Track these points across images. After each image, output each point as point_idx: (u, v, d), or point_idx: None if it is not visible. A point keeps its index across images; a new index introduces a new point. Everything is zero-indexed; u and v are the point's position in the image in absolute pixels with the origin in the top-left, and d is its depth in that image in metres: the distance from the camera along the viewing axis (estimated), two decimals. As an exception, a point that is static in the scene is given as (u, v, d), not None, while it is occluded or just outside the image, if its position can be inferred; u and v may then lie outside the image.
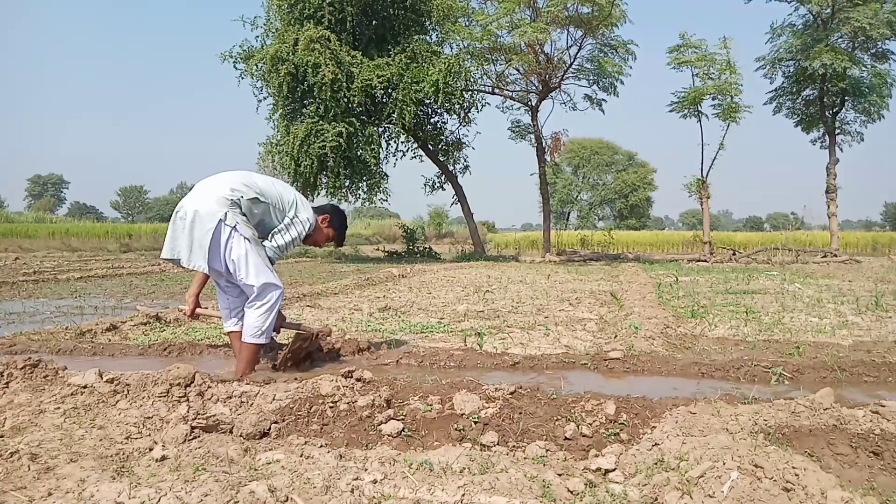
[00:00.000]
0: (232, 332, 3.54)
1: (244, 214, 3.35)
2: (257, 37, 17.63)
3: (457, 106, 17.42)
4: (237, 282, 3.34)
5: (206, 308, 4.18)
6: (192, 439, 2.20)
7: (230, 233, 3.24)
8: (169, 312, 5.47)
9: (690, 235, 30.91)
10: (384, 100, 16.83)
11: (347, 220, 3.92)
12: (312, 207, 3.69)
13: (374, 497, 1.78)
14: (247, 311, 3.35)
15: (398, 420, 2.41)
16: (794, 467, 1.75)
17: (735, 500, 1.66)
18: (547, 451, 2.21)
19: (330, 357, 3.81)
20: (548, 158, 19.79)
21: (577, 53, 18.00)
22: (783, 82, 20.47)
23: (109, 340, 4.48)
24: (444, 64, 15.90)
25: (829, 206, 19.86)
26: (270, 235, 3.46)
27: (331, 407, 2.47)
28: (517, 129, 20.60)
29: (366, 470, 1.95)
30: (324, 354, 3.81)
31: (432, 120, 19.50)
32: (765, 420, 2.21)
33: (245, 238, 3.27)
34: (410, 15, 17.30)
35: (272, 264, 3.43)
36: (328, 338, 3.88)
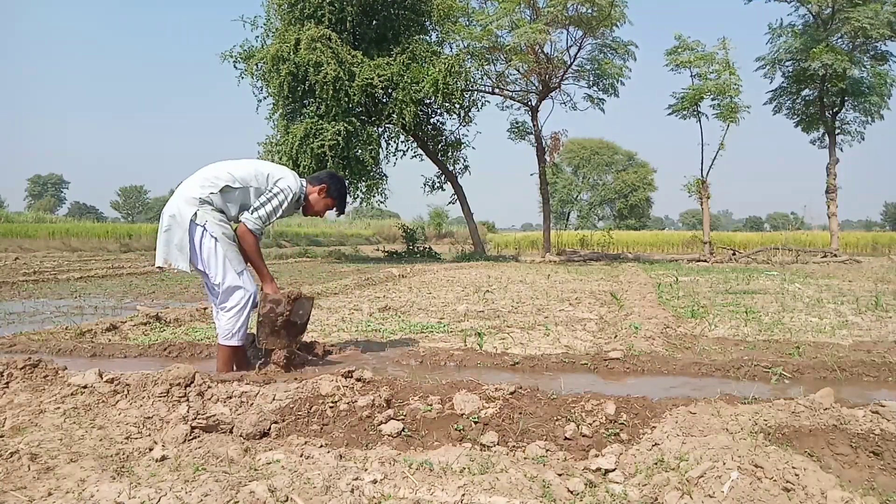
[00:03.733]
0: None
1: (219, 210, 3.35)
2: (257, 37, 17.66)
3: (457, 106, 17.42)
4: (210, 280, 3.35)
5: None
6: (192, 439, 2.20)
7: (202, 232, 3.26)
8: (169, 312, 5.47)
9: (690, 235, 30.92)
10: (384, 99, 16.83)
11: (346, 188, 3.79)
12: (311, 177, 3.67)
13: (374, 497, 1.78)
14: (219, 314, 3.37)
15: (398, 420, 2.41)
16: (794, 467, 1.75)
17: (735, 500, 1.66)
18: (547, 451, 2.21)
19: (327, 357, 3.81)
20: (547, 158, 19.79)
21: (576, 54, 18.02)
22: (783, 82, 20.49)
23: (109, 340, 4.48)
24: (444, 64, 15.91)
25: (829, 206, 19.87)
26: (252, 208, 3.38)
27: (331, 407, 2.47)
28: (517, 129, 20.62)
29: (366, 470, 1.94)
30: (321, 354, 3.80)
31: (432, 120, 19.51)
32: (765, 420, 2.21)
33: (213, 237, 3.28)
34: (410, 15, 17.30)
35: (258, 237, 3.39)
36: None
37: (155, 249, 3.43)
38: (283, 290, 3.47)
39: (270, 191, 3.41)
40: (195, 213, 3.25)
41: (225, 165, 3.44)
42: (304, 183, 3.60)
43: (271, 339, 3.38)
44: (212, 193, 3.32)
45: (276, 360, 3.54)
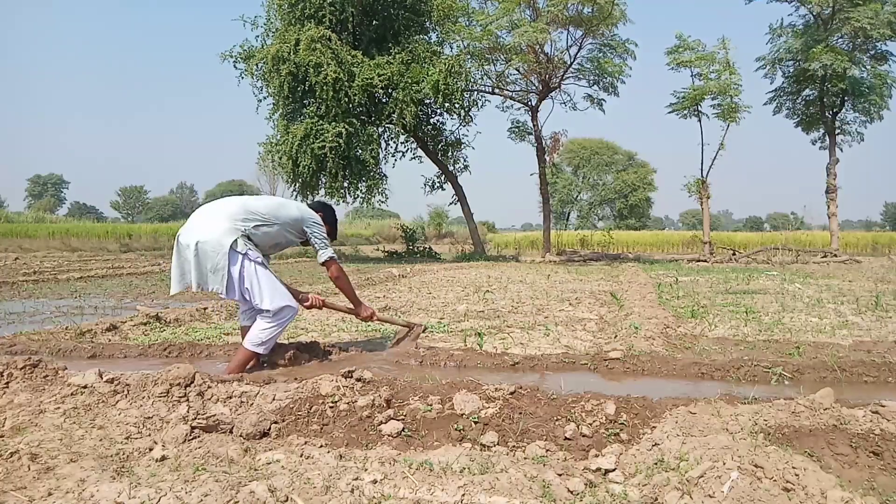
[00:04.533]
0: (245, 326, 3.61)
1: (254, 242, 3.44)
2: (257, 37, 17.67)
3: (457, 106, 17.42)
4: (253, 306, 3.41)
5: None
6: (192, 439, 2.20)
7: (241, 260, 3.31)
8: (169, 312, 5.47)
9: (690, 235, 30.93)
10: (384, 100, 16.83)
11: (336, 214, 4.07)
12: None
13: (374, 497, 1.78)
14: (258, 319, 3.41)
15: (398, 420, 2.41)
16: (794, 467, 1.75)
17: (735, 500, 1.66)
18: (547, 451, 2.21)
19: (327, 357, 3.81)
20: (547, 158, 19.79)
21: (577, 53, 18.02)
22: (783, 82, 20.50)
23: (109, 340, 4.48)
24: (445, 64, 15.90)
25: (829, 206, 19.88)
26: (319, 251, 3.68)
27: (331, 407, 2.47)
28: (517, 129, 20.61)
29: (366, 470, 1.94)
30: (321, 354, 3.81)
31: (432, 120, 19.51)
32: (765, 420, 2.21)
33: (255, 263, 3.35)
34: (410, 15, 17.31)
35: (333, 260, 3.71)
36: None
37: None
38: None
39: (312, 230, 3.66)
40: (235, 241, 3.30)
41: (251, 202, 3.56)
42: None
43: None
44: (255, 227, 3.43)
45: (278, 361, 3.56)
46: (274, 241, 3.58)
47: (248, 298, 3.35)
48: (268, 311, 3.34)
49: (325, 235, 3.72)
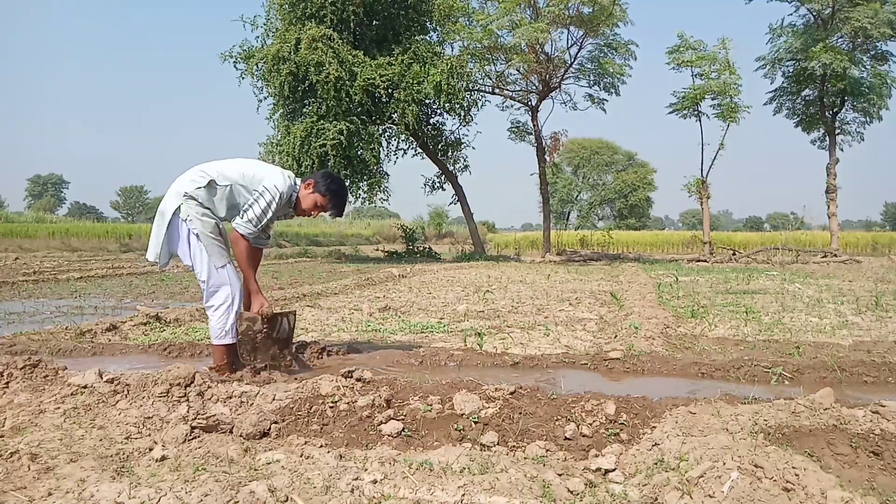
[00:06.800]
0: None
1: (204, 206, 3.32)
2: (258, 37, 17.65)
3: (457, 106, 17.42)
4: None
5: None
6: (192, 439, 2.20)
7: (186, 227, 3.30)
8: (169, 312, 5.47)
9: (690, 235, 30.92)
10: (386, 100, 16.83)
11: (344, 187, 3.55)
12: (305, 177, 3.56)
13: (374, 497, 1.78)
14: (208, 314, 3.39)
15: (398, 420, 2.41)
16: (794, 467, 1.75)
17: (735, 500, 1.66)
18: (547, 451, 2.21)
19: (327, 357, 3.81)
20: (547, 158, 19.79)
21: (577, 53, 18.03)
22: (783, 82, 20.52)
23: (109, 340, 4.48)
24: (447, 64, 15.89)
25: (829, 206, 19.90)
26: (242, 212, 3.32)
27: (331, 407, 2.47)
28: (517, 129, 20.61)
29: (366, 470, 1.94)
30: (322, 354, 3.80)
31: (432, 120, 19.51)
32: (765, 420, 2.21)
33: (195, 233, 3.28)
34: (412, 14, 17.30)
35: (249, 241, 3.33)
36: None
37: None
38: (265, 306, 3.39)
39: (256, 191, 3.32)
40: (178, 207, 3.28)
41: (216, 164, 3.45)
42: (298, 182, 3.50)
43: (253, 354, 3.34)
44: (198, 189, 3.31)
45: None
46: (228, 202, 3.35)
47: (192, 268, 3.33)
48: (203, 282, 3.32)
49: (266, 208, 3.27)
